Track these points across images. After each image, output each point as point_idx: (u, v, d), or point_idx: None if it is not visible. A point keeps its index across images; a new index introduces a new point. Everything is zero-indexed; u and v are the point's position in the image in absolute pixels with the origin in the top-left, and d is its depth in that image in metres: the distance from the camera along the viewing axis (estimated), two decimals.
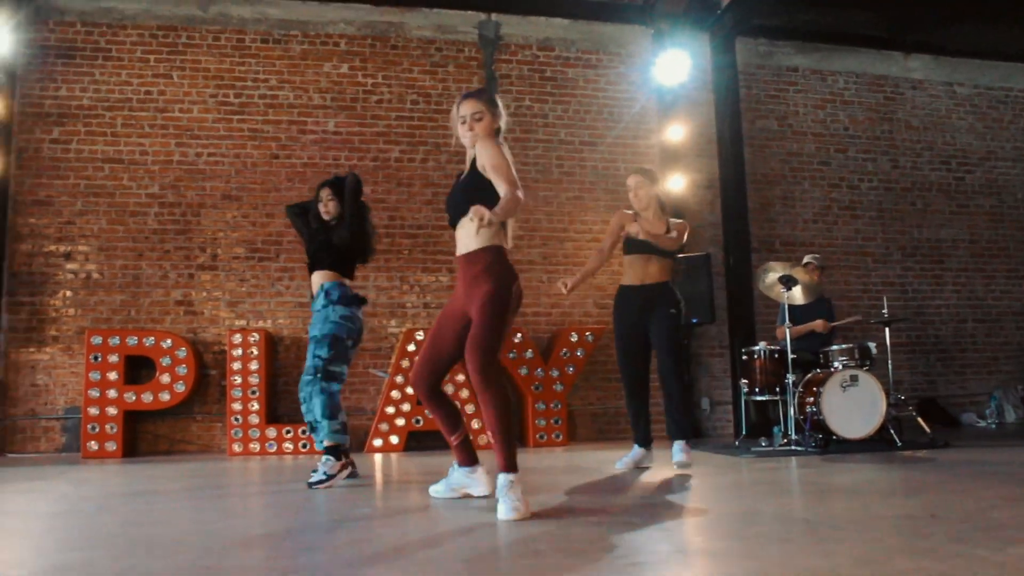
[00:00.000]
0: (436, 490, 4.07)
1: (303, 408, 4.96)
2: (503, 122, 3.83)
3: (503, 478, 3.40)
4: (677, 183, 9.13)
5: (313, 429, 4.94)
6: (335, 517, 3.57)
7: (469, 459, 3.96)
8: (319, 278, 5.10)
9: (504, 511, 3.27)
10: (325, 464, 4.72)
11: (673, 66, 9.08)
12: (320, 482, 4.64)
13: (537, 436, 8.15)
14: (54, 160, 8.33)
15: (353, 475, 4.95)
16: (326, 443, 4.82)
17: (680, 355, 5.57)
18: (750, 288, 9.05)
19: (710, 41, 9.53)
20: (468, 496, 3.96)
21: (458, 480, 3.99)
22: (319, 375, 4.86)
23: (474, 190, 3.60)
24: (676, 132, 9.25)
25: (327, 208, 5.24)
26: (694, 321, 8.69)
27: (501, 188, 3.51)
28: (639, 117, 9.42)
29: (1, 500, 4.45)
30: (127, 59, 8.59)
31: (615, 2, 9.47)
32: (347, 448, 4.92)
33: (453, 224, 3.75)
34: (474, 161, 3.70)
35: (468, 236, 3.62)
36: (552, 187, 9.11)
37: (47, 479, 5.52)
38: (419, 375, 3.81)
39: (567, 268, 8.94)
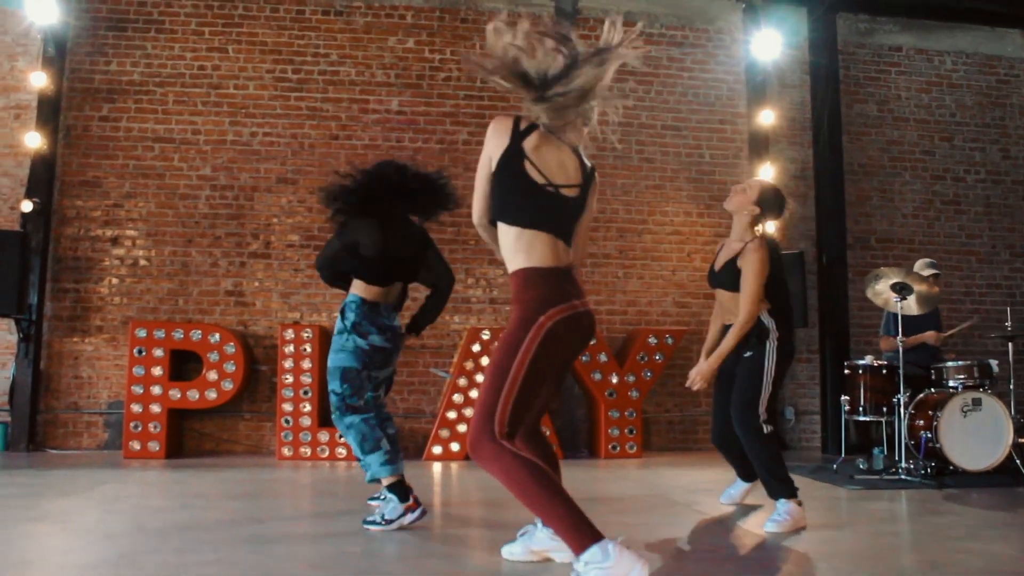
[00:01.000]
0: (512, 552, 3.33)
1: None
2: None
3: (577, 561, 2.55)
4: (767, 173, 8.36)
5: (362, 467, 4.24)
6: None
7: None
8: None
9: None
10: (387, 505, 4.04)
11: (766, 44, 8.32)
12: (374, 523, 4.01)
13: (609, 447, 7.50)
14: (103, 139, 7.87)
15: (423, 514, 4.10)
16: (383, 481, 4.11)
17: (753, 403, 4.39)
18: (845, 289, 8.29)
19: (807, 16, 8.68)
20: (548, 560, 3.26)
21: (541, 542, 3.26)
22: (338, 412, 4.18)
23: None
24: (767, 116, 8.47)
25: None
26: None
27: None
28: (727, 100, 8.66)
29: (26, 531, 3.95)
30: (180, 32, 8.07)
31: None
32: (405, 480, 4.14)
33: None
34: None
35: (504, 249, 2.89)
36: (631, 175, 8.41)
37: (80, 494, 5.03)
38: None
39: (644, 263, 8.28)
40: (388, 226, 4.25)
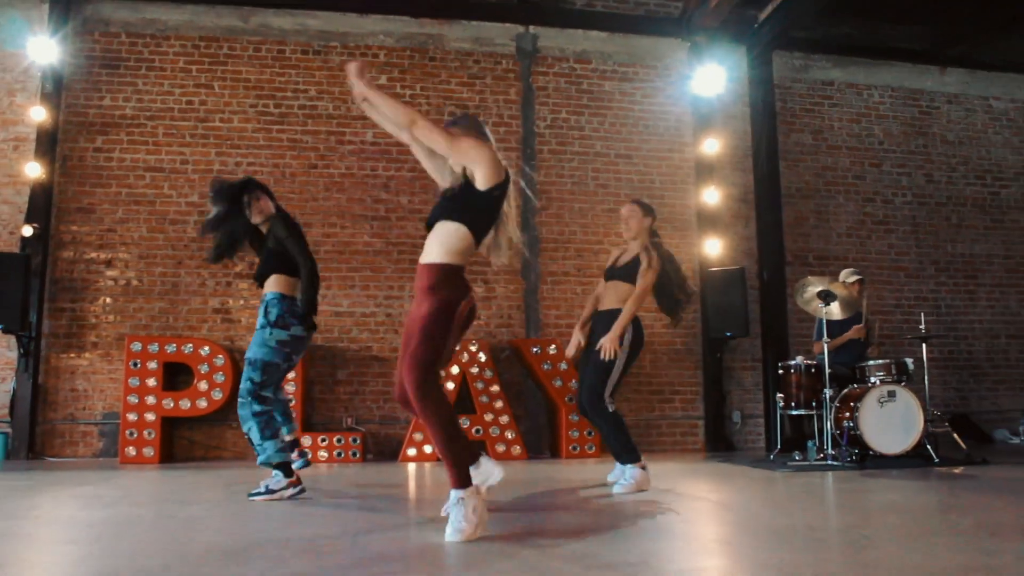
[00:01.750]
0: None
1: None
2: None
3: (453, 495, 3.34)
4: (712, 196, 9.15)
5: (257, 450, 4.84)
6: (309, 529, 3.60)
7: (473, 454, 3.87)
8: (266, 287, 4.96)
9: (449, 531, 3.26)
10: (273, 479, 4.71)
11: (709, 79, 9.10)
12: (259, 494, 4.66)
13: (570, 447, 8.16)
14: (97, 168, 8.46)
15: (302, 491, 4.80)
16: (272, 463, 4.75)
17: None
18: (784, 302, 9.05)
19: (746, 54, 9.56)
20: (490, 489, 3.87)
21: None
22: (250, 397, 4.77)
23: (450, 200, 3.65)
24: (711, 145, 9.26)
25: (259, 208, 5.02)
26: (728, 335, 8.71)
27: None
28: (675, 130, 9.45)
29: (55, 506, 4.52)
30: (169, 69, 8.71)
31: (651, 16, 9.51)
32: (291, 462, 4.87)
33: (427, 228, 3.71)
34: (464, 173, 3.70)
35: (428, 245, 3.61)
36: (587, 199, 9.14)
37: (90, 484, 5.59)
38: (398, 388, 3.75)
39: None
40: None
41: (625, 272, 5.37)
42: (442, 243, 3.51)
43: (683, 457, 8.14)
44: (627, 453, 5.14)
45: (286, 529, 3.64)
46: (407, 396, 3.52)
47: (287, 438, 4.99)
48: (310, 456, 5.07)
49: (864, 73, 10.11)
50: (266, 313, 4.83)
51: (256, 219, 5.02)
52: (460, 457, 3.37)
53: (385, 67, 9.01)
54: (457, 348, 4.25)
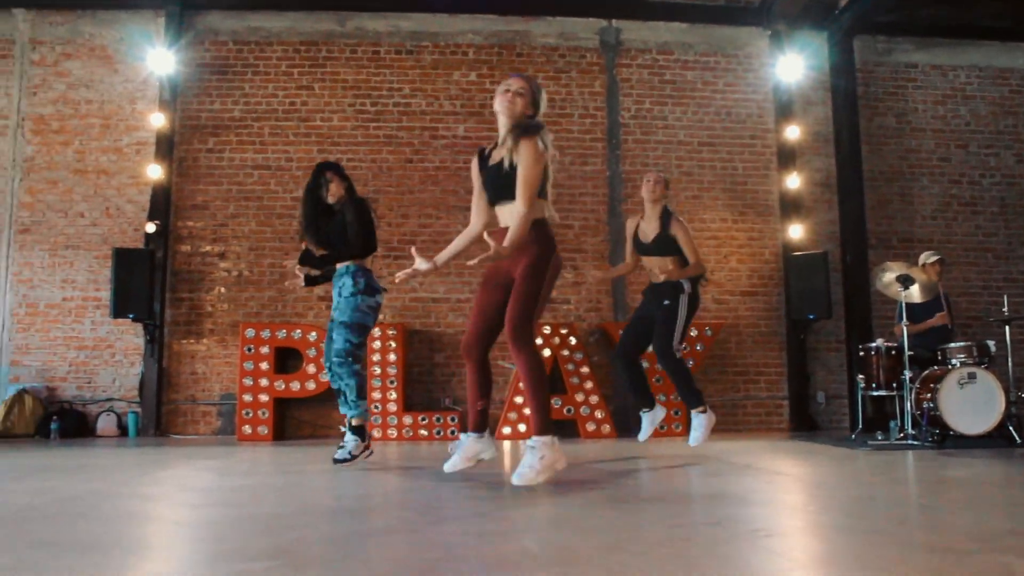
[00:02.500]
0: (452, 464, 4.19)
1: (334, 384, 5.31)
2: (537, 111, 4.09)
3: (533, 440, 3.76)
4: (794, 182, 9.33)
5: (346, 404, 5.27)
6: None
7: (484, 425, 4.16)
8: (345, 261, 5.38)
9: (516, 474, 3.67)
10: (352, 444, 5.19)
11: (790, 67, 9.28)
12: (345, 460, 5.14)
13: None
14: (209, 168, 9.10)
15: (370, 453, 5.34)
16: (354, 422, 5.24)
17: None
18: (867, 284, 9.15)
19: (827, 40, 9.67)
20: (480, 461, 4.21)
21: (470, 448, 4.16)
22: (350, 359, 5.21)
23: (513, 182, 3.94)
24: (793, 132, 9.43)
25: (332, 191, 5.41)
26: (810, 316, 8.90)
27: (519, 202, 3.87)
28: (756, 117, 9.64)
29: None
30: (273, 73, 9.29)
31: (732, 5, 9.71)
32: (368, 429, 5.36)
33: (492, 203, 4.11)
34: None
35: (509, 214, 3.98)
36: (672, 187, 9.39)
37: (225, 457, 6.17)
38: (469, 344, 4.07)
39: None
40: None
41: (657, 247, 5.87)
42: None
43: (767, 436, 8.38)
44: (692, 396, 5.80)
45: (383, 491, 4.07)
46: (472, 346, 4.01)
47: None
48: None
49: (949, 54, 10.10)
50: (355, 282, 5.28)
51: (330, 200, 5.47)
52: (545, 405, 3.81)
53: (474, 64, 9.42)
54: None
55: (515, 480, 3.65)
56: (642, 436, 6.13)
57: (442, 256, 4.29)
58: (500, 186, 4.03)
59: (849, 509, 3.37)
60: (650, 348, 5.93)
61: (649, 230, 5.92)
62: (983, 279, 9.80)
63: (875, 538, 2.57)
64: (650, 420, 6.08)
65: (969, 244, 9.83)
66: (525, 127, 3.95)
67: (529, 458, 3.70)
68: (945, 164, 9.94)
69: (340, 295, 5.33)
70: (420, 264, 4.15)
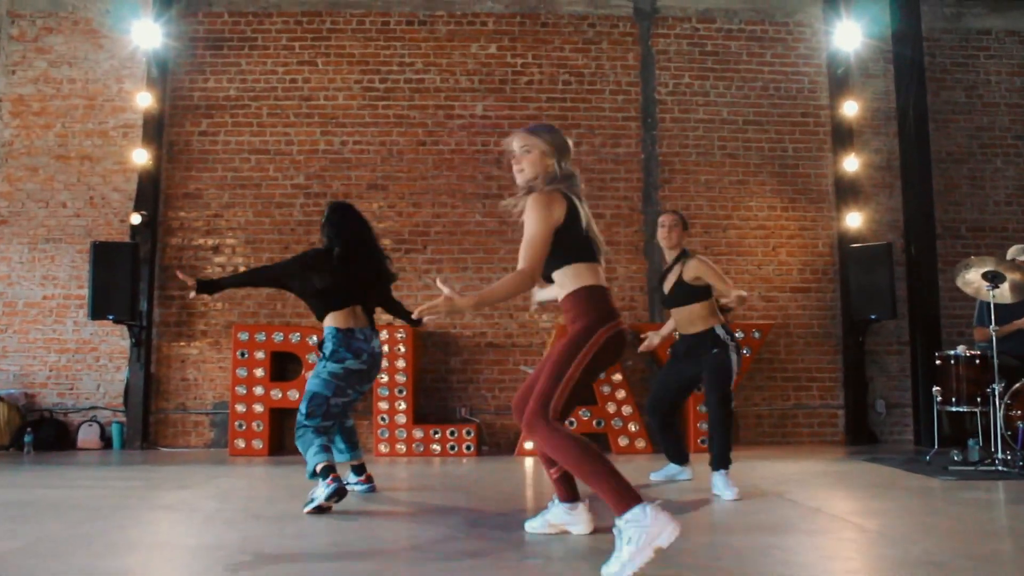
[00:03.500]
0: (532, 526, 3.75)
1: None
2: (561, 158, 3.35)
3: (617, 522, 2.85)
4: (852, 164, 8.32)
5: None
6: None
7: (570, 494, 3.66)
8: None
9: (611, 569, 2.80)
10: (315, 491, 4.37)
11: (848, 35, 8.27)
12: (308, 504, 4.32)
13: (698, 440, 7.56)
14: (202, 153, 8.28)
15: (341, 492, 4.32)
16: (318, 468, 4.41)
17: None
18: (935, 279, 8.15)
19: (889, 5, 8.59)
20: (565, 533, 3.65)
21: (557, 516, 3.69)
22: (297, 429, 4.65)
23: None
24: (850, 108, 8.41)
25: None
26: (872, 317, 7.93)
27: (520, 262, 3.18)
28: (809, 92, 8.63)
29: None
30: (272, 47, 8.43)
31: None
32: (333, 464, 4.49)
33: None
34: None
35: (559, 285, 3.34)
36: (714, 170, 8.45)
37: (196, 486, 5.35)
38: (517, 405, 3.49)
39: (730, 258, 8.29)
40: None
41: (677, 297, 5.28)
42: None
43: (821, 451, 7.45)
44: (725, 457, 4.97)
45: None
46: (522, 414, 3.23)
47: (353, 463, 4.98)
48: (375, 485, 4.96)
49: None
50: (320, 346, 4.80)
51: None
52: (605, 480, 2.93)
53: (494, 35, 8.49)
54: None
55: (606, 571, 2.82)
56: (656, 476, 5.63)
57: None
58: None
59: None
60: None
61: (668, 279, 5.35)
62: None
63: None
64: (671, 473, 5.62)
65: None
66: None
67: (617, 544, 2.83)
68: (1022, 143, 8.86)
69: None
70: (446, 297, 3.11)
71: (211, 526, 3.96)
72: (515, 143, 3.40)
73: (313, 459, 4.44)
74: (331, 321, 4.73)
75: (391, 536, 3.82)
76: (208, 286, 4.97)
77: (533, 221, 3.17)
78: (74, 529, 3.82)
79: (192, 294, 4.92)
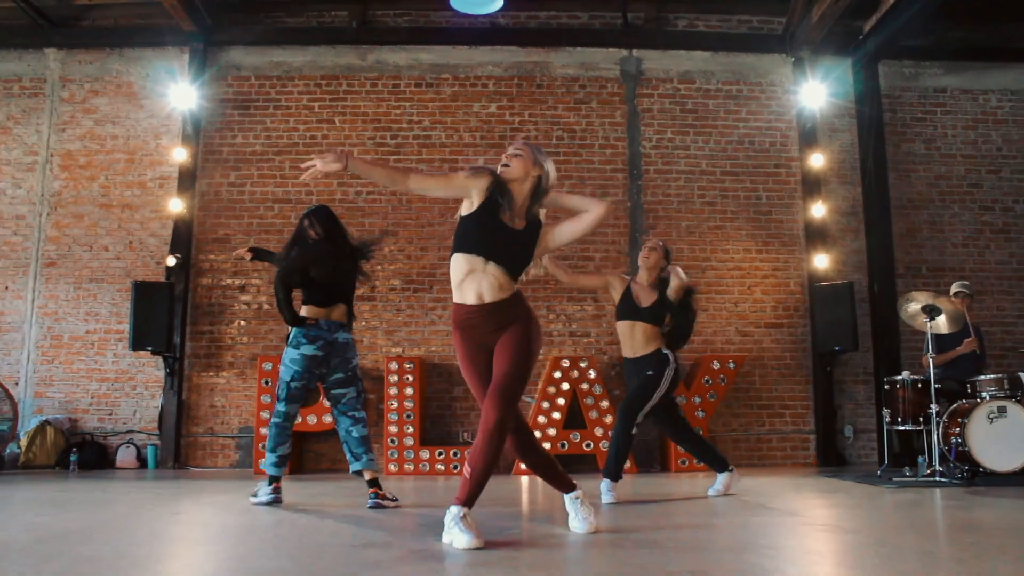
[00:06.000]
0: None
1: None
2: (544, 179, 3.77)
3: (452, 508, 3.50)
4: (819, 210, 9.16)
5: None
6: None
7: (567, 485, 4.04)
8: None
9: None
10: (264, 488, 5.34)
11: (814, 94, 9.16)
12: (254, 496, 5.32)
13: (679, 462, 8.32)
14: (231, 201, 9.18)
15: (277, 501, 5.30)
16: (265, 470, 5.38)
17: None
18: (895, 315, 8.89)
19: (852, 67, 9.52)
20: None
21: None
22: (274, 413, 5.41)
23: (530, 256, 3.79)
24: (817, 160, 9.27)
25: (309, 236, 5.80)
26: (836, 349, 8.70)
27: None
28: (780, 145, 9.50)
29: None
30: (294, 107, 9.36)
31: (754, 33, 9.62)
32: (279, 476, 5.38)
33: (488, 258, 3.70)
34: (530, 216, 3.79)
35: (499, 283, 3.71)
36: (694, 217, 9.30)
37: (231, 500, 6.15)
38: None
39: (708, 296, 9.09)
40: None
41: (652, 315, 5.65)
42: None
43: (792, 472, 8.18)
44: (616, 469, 5.53)
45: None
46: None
47: (367, 477, 5.35)
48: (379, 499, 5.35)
49: (979, 78, 9.87)
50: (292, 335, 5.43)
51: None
52: (476, 481, 3.52)
53: (494, 96, 9.42)
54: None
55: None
56: (712, 491, 5.86)
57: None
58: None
59: (860, 558, 3.24)
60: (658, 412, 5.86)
61: (644, 297, 5.70)
62: (1018, 308, 9.51)
63: None
64: (724, 482, 5.85)
65: (1002, 272, 9.54)
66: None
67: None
68: (976, 190, 9.69)
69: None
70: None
71: (249, 514, 4.75)
72: (514, 146, 3.83)
73: (272, 467, 5.34)
74: (304, 312, 5.41)
75: (394, 534, 4.57)
76: (259, 253, 6.15)
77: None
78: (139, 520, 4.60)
79: (249, 256, 6.09)
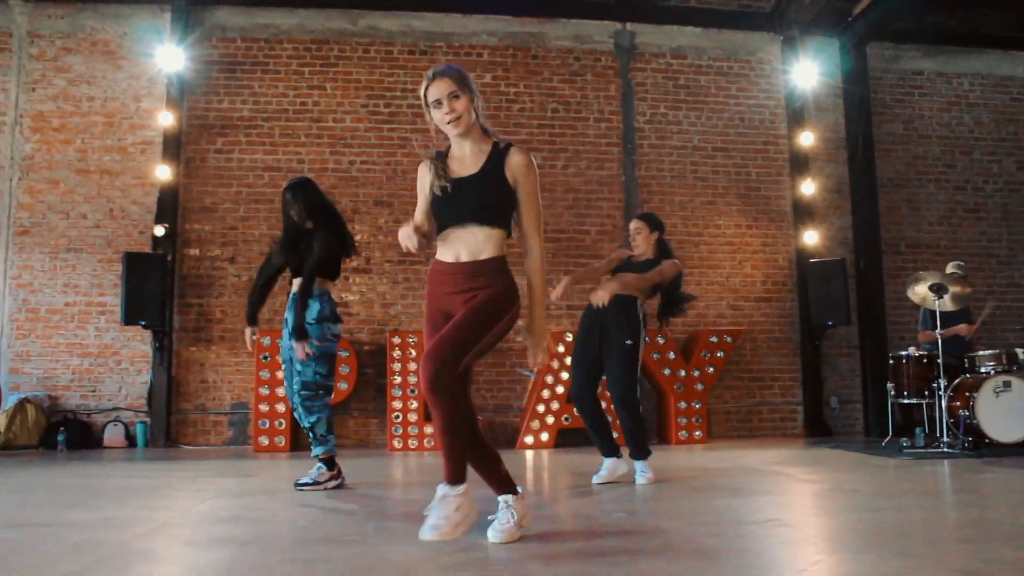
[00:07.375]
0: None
1: (303, 423, 5.13)
2: (480, 104, 3.42)
3: (441, 487, 3.18)
4: (808, 188, 9.34)
5: (313, 439, 5.11)
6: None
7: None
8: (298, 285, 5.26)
9: (426, 527, 3.11)
10: (318, 471, 5.06)
11: (803, 73, 9.30)
12: (307, 485, 4.99)
13: (679, 434, 8.44)
14: (218, 169, 8.84)
15: (341, 485, 5.12)
16: (322, 457, 5.09)
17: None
18: (881, 290, 9.25)
19: (839, 47, 9.69)
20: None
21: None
22: (321, 391, 5.10)
23: (496, 196, 3.32)
24: (806, 138, 9.44)
25: (296, 213, 5.47)
26: (829, 323, 8.92)
27: (532, 241, 3.34)
28: (769, 123, 9.64)
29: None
30: (283, 72, 9.04)
31: (745, 11, 9.69)
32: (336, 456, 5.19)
33: (456, 223, 3.31)
34: (493, 162, 3.37)
35: (477, 241, 3.29)
36: (686, 192, 9.38)
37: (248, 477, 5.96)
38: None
39: (701, 271, 9.21)
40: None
41: (643, 268, 5.45)
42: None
43: (784, 442, 8.39)
44: (643, 448, 5.25)
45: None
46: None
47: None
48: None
49: (953, 62, 10.19)
50: (321, 308, 5.21)
51: (296, 220, 5.49)
52: (457, 455, 3.15)
53: (489, 66, 9.27)
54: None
55: (423, 534, 3.09)
56: (596, 479, 5.27)
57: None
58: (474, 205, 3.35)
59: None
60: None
61: (643, 259, 5.55)
62: (987, 284, 9.90)
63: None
64: (611, 468, 5.31)
65: (973, 249, 9.93)
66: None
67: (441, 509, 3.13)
68: (950, 171, 10.03)
69: (307, 321, 5.15)
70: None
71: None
72: (439, 88, 3.36)
73: (331, 447, 5.12)
74: (320, 284, 5.29)
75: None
76: (254, 306, 5.76)
77: (535, 184, 3.30)
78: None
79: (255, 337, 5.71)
